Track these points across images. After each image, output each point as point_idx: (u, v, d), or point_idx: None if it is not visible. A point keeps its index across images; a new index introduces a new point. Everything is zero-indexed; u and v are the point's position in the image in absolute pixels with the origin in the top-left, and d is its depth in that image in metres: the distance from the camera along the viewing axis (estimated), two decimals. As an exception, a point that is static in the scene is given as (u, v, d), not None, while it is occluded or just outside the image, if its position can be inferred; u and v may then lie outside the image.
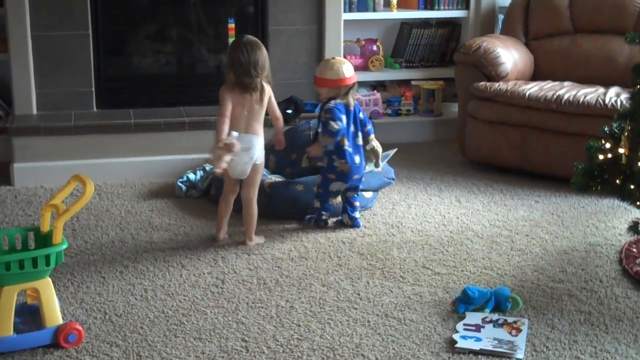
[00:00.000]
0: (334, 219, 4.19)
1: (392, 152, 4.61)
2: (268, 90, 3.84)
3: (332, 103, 3.97)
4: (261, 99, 3.80)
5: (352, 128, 4.03)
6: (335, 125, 3.93)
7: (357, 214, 4.14)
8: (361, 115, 4.09)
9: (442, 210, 4.39)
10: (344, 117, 3.96)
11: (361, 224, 4.13)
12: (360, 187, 4.15)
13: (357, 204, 4.15)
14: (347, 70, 3.99)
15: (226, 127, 3.73)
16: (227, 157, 3.65)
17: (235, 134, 3.73)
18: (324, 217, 4.13)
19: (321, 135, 3.99)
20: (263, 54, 3.78)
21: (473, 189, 4.73)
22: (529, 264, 3.73)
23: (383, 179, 4.47)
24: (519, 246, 3.93)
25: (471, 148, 5.09)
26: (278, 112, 3.94)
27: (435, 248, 3.90)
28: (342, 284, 3.51)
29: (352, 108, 4.02)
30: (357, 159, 4.05)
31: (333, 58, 4.07)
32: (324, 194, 4.10)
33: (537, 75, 5.29)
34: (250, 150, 3.78)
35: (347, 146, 4.01)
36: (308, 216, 4.17)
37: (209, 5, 5.29)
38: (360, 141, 4.08)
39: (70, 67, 4.94)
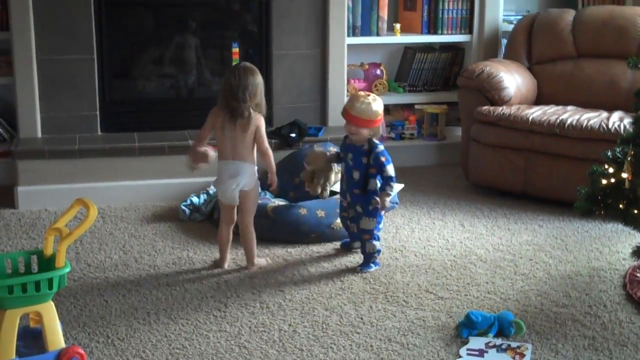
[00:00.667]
0: (338, 242, 4.19)
1: (399, 187, 4.57)
2: (257, 120, 3.71)
3: (380, 145, 3.78)
4: (246, 127, 3.70)
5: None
6: (392, 170, 3.76)
7: None
8: None
9: (446, 235, 4.39)
10: None
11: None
12: None
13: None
14: (382, 105, 3.83)
15: (201, 145, 3.80)
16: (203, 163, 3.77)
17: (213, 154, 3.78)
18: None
19: (388, 187, 3.75)
20: (256, 81, 3.69)
21: (476, 213, 4.72)
22: (533, 288, 3.72)
23: (387, 202, 4.46)
24: (522, 270, 3.92)
25: (475, 172, 5.09)
26: (266, 146, 3.76)
27: (438, 272, 3.89)
28: (345, 308, 3.50)
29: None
30: None
31: (368, 95, 3.80)
32: (377, 228, 3.93)
33: (540, 99, 5.29)
34: (237, 177, 3.72)
35: None
36: (370, 264, 3.91)
37: (213, 30, 5.31)
38: None
39: (75, 91, 4.97)
